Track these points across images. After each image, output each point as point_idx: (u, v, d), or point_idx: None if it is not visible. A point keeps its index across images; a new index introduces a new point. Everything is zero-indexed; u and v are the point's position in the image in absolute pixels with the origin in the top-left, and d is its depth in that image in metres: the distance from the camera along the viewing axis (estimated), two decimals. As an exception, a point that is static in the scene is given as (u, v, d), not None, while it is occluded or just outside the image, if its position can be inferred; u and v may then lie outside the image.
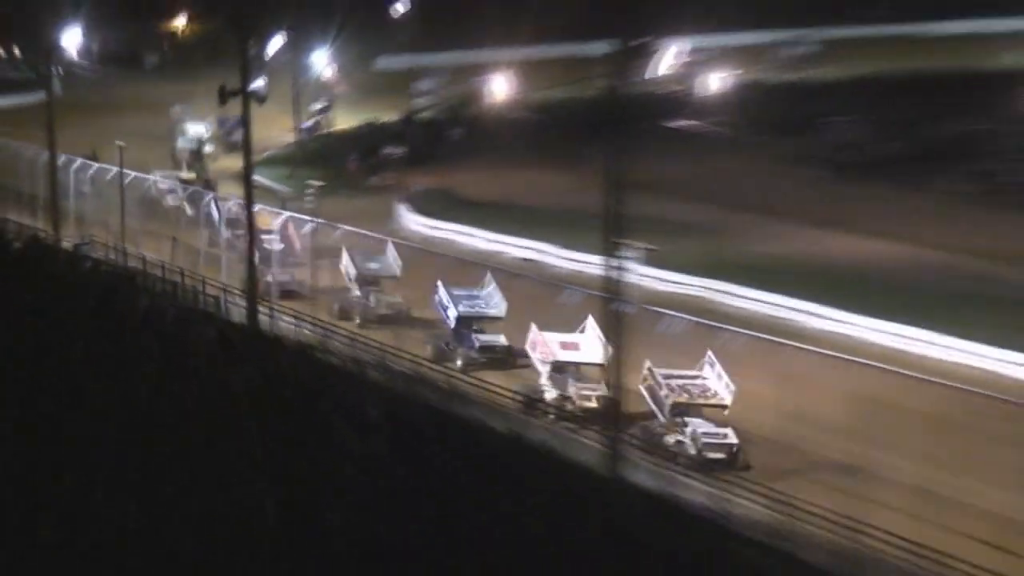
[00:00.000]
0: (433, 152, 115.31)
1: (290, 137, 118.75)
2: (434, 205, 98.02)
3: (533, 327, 63.16)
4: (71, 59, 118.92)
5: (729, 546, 40.20)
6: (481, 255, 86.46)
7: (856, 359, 65.59)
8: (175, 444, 30.62)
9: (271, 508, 31.59)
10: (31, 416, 27.92)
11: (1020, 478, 51.44)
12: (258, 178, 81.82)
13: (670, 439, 56.23)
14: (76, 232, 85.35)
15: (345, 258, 75.01)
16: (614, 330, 55.02)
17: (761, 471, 55.86)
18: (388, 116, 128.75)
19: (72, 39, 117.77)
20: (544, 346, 62.55)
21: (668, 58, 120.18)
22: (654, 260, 67.95)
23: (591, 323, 62.27)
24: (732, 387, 56.80)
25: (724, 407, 56.93)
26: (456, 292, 69.67)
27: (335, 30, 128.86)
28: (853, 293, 74.50)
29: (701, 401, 56.84)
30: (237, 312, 69.20)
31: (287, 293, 76.44)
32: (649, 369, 57.58)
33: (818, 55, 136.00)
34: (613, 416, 54.96)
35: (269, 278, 75.97)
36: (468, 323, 68.83)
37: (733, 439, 55.22)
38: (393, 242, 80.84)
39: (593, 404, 59.76)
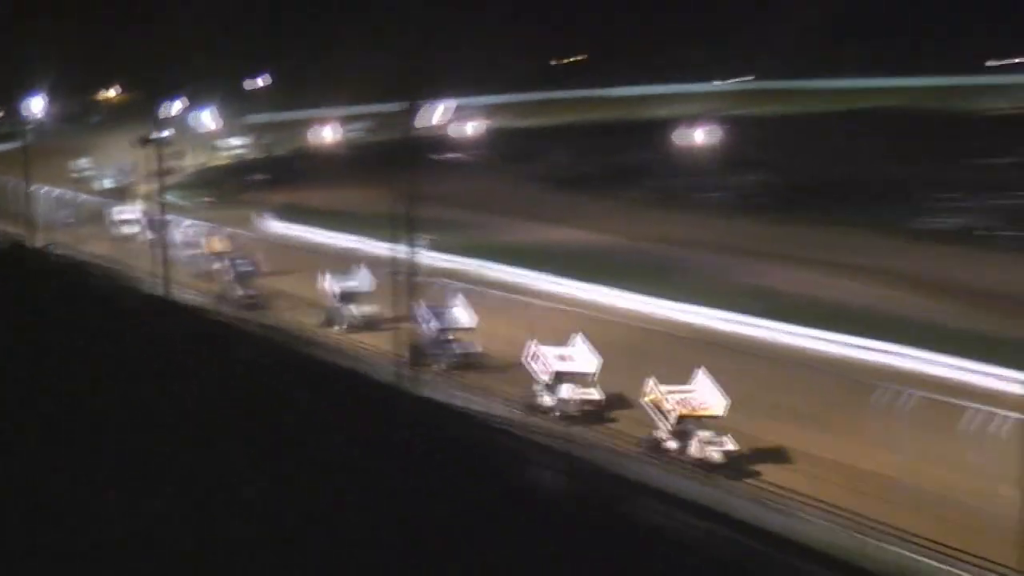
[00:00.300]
0: (286, 177, 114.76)
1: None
2: (287, 213, 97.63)
3: (531, 342, 54.76)
4: (39, 118, 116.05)
5: (483, 433, 41.08)
6: (320, 246, 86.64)
7: (571, 308, 66.87)
8: (103, 358, 32.44)
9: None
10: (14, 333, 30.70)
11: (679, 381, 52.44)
12: (168, 197, 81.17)
13: (672, 445, 47.26)
14: (45, 238, 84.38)
15: (328, 277, 68.65)
16: (409, 292, 55.65)
17: (506, 383, 56.66)
18: (256, 153, 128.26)
19: (39, 104, 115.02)
20: (543, 358, 53.90)
21: (439, 112, 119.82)
22: (435, 246, 68.23)
23: (580, 338, 55.01)
24: (727, 400, 47.21)
25: (718, 417, 47.31)
26: (434, 308, 61.91)
27: (219, 96, 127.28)
28: (569, 265, 75.66)
29: (700, 413, 47.41)
30: (159, 289, 69.34)
31: (253, 306, 70.41)
32: (654, 385, 48.71)
33: (536, 109, 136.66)
34: (414, 352, 55.59)
35: (240, 292, 72.80)
36: (445, 333, 61.27)
37: (732, 445, 46.10)
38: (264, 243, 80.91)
39: (591, 408, 52.49)
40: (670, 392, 48.12)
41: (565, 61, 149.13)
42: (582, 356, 54.25)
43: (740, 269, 75.48)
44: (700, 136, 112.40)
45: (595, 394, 52.88)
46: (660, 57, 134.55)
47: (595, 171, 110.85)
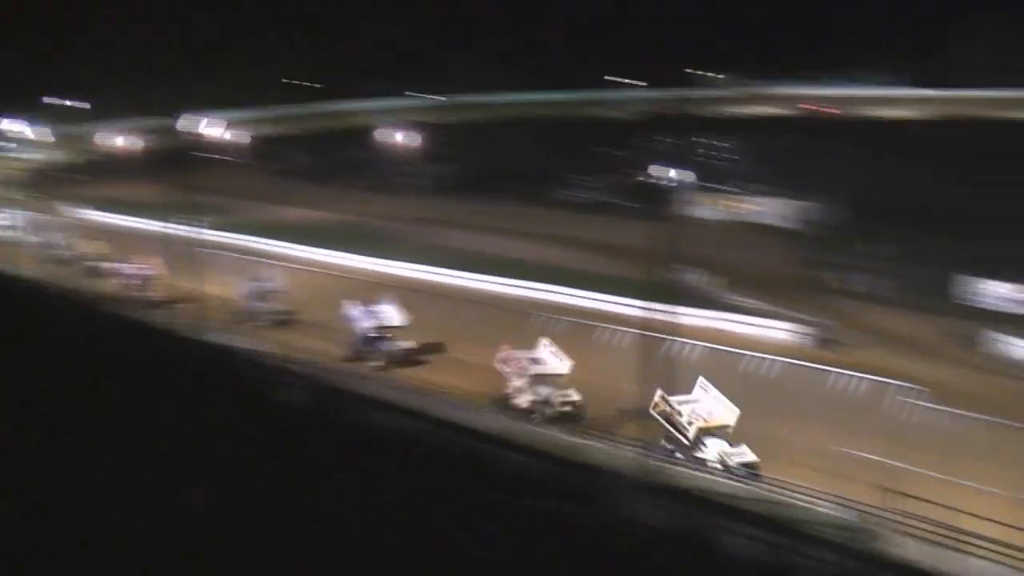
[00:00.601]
0: (92, 176, 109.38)
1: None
2: (98, 203, 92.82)
3: (504, 347, 44.38)
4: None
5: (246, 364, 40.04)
6: (122, 228, 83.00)
7: (310, 268, 66.07)
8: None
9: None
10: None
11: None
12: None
13: (683, 456, 36.00)
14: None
15: (242, 280, 57.70)
16: (195, 263, 53.40)
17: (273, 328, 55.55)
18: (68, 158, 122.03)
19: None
20: (518, 362, 43.30)
21: (206, 123, 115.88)
22: (209, 225, 65.74)
23: (544, 341, 44.69)
24: (736, 410, 37.04)
25: (729, 427, 36.75)
26: (364, 309, 50.71)
27: (39, 112, 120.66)
28: (307, 236, 74.78)
29: (714, 424, 36.80)
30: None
31: (158, 304, 60.13)
32: (662, 397, 37.86)
33: (280, 121, 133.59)
34: (200, 310, 52.85)
35: (143, 295, 61.95)
36: (378, 331, 49.74)
37: (751, 456, 35.56)
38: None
39: (570, 408, 41.76)
40: (680, 403, 37.74)
41: (303, 83, 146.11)
42: (552, 358, 43.98)
43: (436, 235, 75.80)
44: (404, 139, 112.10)
45: (573, 395, 42.49)
46: (373, 78, 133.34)
47: (325, 166, 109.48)
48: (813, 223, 72.00)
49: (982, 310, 55.97)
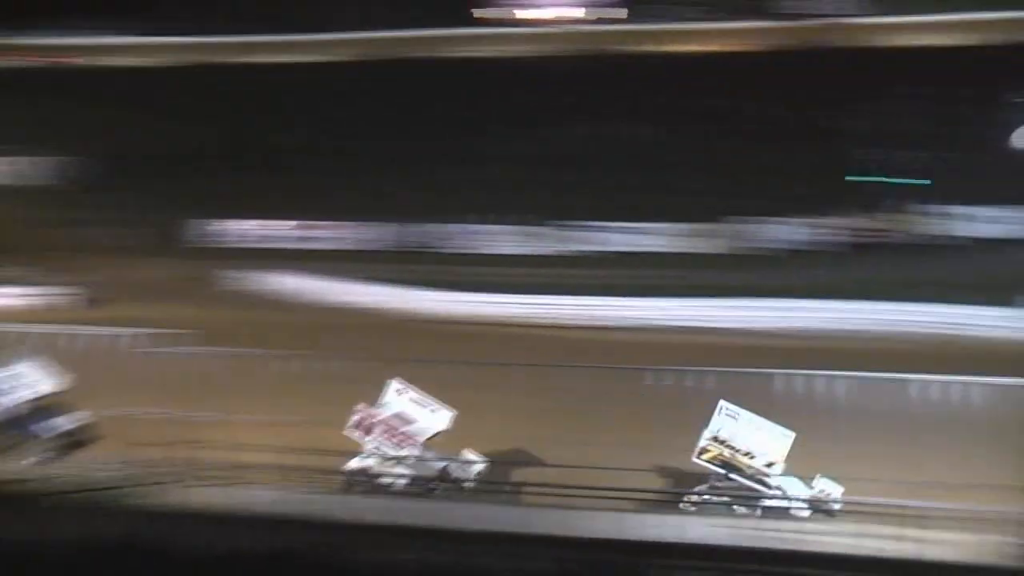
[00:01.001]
0: None
1: None
2: None
3: (361, 406, 29.74)
4: None
5: None
6: None
7: None
8: None
9: None
10: None
11: None
12: None
13: (764, 514, 26.38)
14: None
15: None
16: None
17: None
18: None
19: None
20: (386, 426, 29.05)
21: None
22: None
23: (396, 385, 30.13)
24: (790, 433, 27.47)
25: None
26: None
27: None
28: None
29: (779, 460, 27.27)
30: None
31: None
32: (714, 439, 27.21)
33: None
34: None
35: None
36: (30, 408, 31.11)
37: (838, 488, 26.59)
38: None
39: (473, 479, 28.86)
40: (729, 441, 27.55)
41: None
42: (425, 411, 29.66)
43: None
44: None
45: (473, 458, 29.29)
46: None
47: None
48: (61, 180, 70.60)
49: (224, 249, 58.21)
